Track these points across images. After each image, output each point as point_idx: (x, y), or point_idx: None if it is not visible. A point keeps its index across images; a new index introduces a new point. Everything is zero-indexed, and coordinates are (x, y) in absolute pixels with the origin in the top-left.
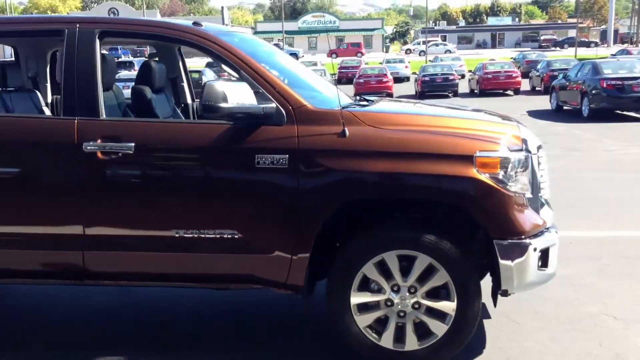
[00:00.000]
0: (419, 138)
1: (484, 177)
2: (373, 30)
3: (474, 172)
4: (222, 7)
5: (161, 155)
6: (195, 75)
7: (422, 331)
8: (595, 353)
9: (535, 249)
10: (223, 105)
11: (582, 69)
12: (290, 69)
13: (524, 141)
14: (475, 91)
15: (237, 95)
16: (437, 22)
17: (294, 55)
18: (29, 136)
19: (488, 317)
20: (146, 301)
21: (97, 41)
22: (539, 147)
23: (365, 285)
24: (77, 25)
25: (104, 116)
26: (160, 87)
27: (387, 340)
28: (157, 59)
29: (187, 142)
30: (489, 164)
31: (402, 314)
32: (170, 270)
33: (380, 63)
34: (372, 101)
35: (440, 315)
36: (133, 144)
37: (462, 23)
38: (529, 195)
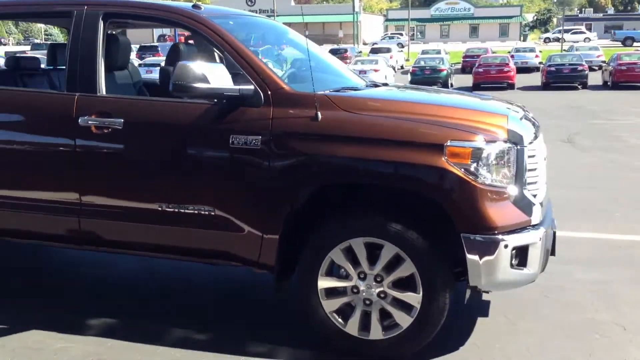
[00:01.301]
0: (391, 124)
1: (453, 168)
2: (510, 17)
3: (442, 161)
4: None
5: (146, 131)
6: None
7: (388, 321)
8: None
9: (506, 246)
10: (195, 85)
11: None
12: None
13: (510, 132)
14: (608, 83)
15: (215, 76)
16: (583, 9)
17: None
18: (38, 109)
19: (485, 314)
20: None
21: (101, 22)
22: (533, 140)
23: (334, 271)
24: (85, 7)
25: (103, 93)
26: None
27: (352, 327)
28: (191, 41)
29: (170, 119)
30: (460, 154)
31: (368, 302)
32: (156, 241)
33: (509, 52)
34: (378, 85)
35: (405, 307)
36: (122, 120)
37: (610, 11)
38: (511, 189)
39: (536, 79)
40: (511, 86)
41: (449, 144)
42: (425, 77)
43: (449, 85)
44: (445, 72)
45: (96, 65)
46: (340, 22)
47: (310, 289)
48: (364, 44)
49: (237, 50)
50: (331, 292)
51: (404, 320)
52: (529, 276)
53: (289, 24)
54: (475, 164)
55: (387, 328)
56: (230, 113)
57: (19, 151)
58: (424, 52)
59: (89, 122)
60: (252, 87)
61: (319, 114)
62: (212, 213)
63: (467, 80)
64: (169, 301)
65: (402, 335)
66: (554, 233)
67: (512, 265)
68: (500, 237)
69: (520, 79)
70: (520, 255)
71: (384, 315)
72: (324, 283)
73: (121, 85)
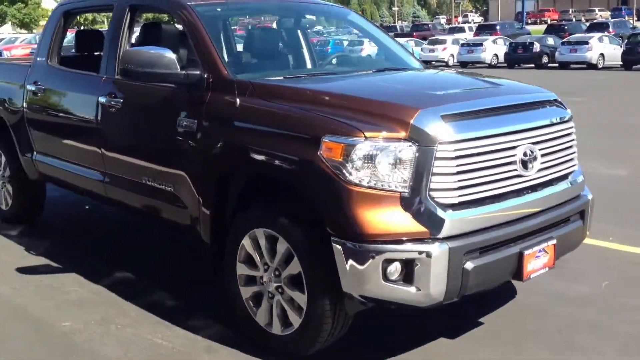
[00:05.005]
0: (286, 114)
1: (325, 164)
2: None
3: (317, 156)
4: None
5: (131, 111)
6: None
7: (286, 318)
8: None
9: (373, 257)
10: (139, 69)
11: None
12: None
13: (414, 130)
14: None
15: (161, 61)
16: None
17: None
18: (81, 87)
19: (452, 337)
20: None
21: (128, 14)
22: (458, 141)
23: (250, 259)
24: (117, 1)
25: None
26: None
27: (260, 317)
28: None
29: (144, 102)
30: (334, 149)
31: (271, 295)
32: (145, 209)
33: None
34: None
35: (297, 306)
36: (121, 100)
37: None
38: (403, 194)
39: None
40: None
41: (325, 138)
42: None
43: None
44: None
45: (116, 51)
46: None
47: (231, 273)
48: None
49: (198, 37)
50: (246, 279)
51: (295, 319)
52: (420, 296)
53: None
54: (349, 162)
55: (285, 325)
56: (182, 97)
57: (65, 119)
58: None
59: (104, 100)
60: (197, 72)
61: (238, 100)
62: (169, 189)
63: None
64: (180, 269)
65: (294, 336)
66: (520, 254)
67: (386, 279)
68: (369, 245)
69: None
70: (406, 270)
71: (283, 311)
72: (240, 269)
73: None
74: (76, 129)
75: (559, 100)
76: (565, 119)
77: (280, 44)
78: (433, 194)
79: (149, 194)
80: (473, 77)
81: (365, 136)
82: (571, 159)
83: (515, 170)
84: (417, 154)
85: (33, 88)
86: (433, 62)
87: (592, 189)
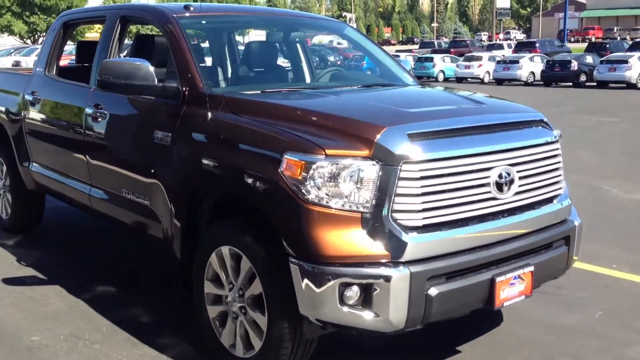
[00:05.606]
0: (251, 130)
1: (284, 182)
2: None
3: (277, 174)
4: None
5: (115, 123)
6: None
7: (248, 340)
8: None
9: (329, 279)
10: (116, 81)
11: None
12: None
13: (378, 148)
14: None
15: (138, 72)
16: None
17: None
18: (72, 98)
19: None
20: None
21: (118, 25)
22: (424, 161)
23: (217, 277)
24: (109, 13)
25: None
26: None
27: (225, 338)
28: None
29: (125, 114)
30: (294, 167)
31: (235, 316)
32: (126, 221)
33: None
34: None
35: (259, 328)
36: (106, 112)
37: None
38: (365, 215)
39: None
40: None
41: (286, 155)
42: None
43: None
44: None
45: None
46: None
47: (199, 291)
48: None
49: (178, 49)
50: (214, 299)
51: (256, 342)
52: (379, 322)
53: None
54: (308, 180)
55: (248, 347)
56: (159, 109)
57: (57, 130)
58: None
59: (90, 110)
60: (174, 84)
61: (209, 114)
62: (146, 202)
63: None
64: (163, 285)
65: (255, 359)
66: (492, 280)
67: (343, 303)
68: (325, 268)
69: None
70: (364, 294)
71: (245, 332)
72: (207, 288)
73: None
74: (66, 140)
75: (546, 120)
76: (551, 140)
77: (270, 58)
78: (396, 215)
79: (127, 207)
80: (458, 95)
81: (325, 153)
82: (556, 182)
83: (489, 192)
84: (380, 173)
85: (30, 98)
86: (468, 79)
87: (603, 211)
